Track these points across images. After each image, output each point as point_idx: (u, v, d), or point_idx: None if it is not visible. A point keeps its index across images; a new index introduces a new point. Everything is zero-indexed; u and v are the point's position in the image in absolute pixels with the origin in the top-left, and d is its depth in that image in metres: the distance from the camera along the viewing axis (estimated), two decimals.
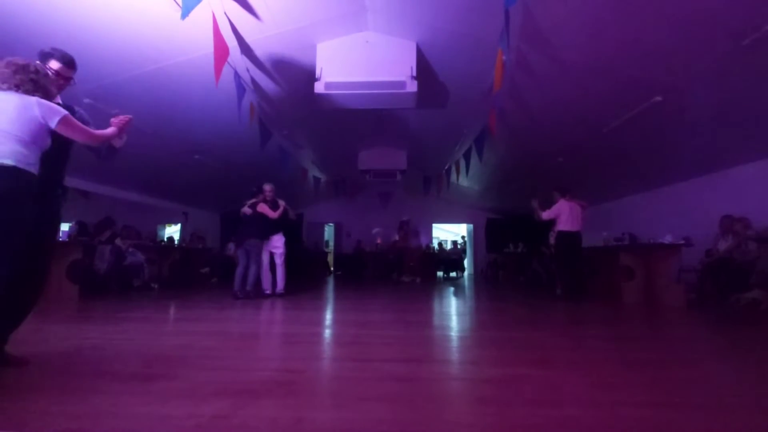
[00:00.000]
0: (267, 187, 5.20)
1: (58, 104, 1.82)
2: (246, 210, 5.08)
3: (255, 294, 4.97)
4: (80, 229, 5.65)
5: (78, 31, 3.23)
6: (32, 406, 1.37)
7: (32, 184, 1.66)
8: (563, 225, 5.01)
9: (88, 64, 3.61)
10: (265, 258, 5.18)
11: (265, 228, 5.10)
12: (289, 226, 5.53)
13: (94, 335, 2.60)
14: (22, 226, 1.64)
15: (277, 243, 5.21)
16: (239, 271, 4.99)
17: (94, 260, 5.62)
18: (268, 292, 5.13)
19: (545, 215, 5.21)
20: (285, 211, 5.19)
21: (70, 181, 6.98)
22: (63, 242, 4.62)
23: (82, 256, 5.00)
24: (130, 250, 6.22)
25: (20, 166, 1.59)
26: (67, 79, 1.95)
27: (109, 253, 5.77)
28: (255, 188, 5.22)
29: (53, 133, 1.72)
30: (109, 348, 2.26)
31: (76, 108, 1.98)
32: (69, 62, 1.94)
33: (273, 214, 5.07)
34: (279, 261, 5.21)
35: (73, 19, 3.12)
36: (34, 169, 1.66)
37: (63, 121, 1.71)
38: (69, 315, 3.68)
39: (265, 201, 5.12)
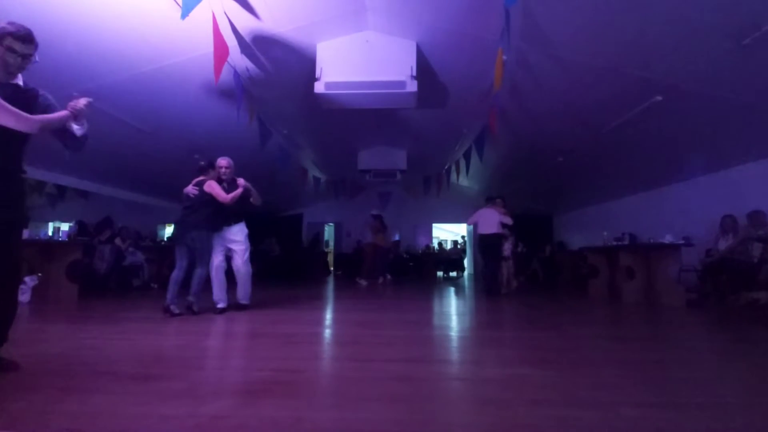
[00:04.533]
0: (222, 161, 3.82)
1: (18, 86, 1.69)
2: (190, 189, 3.65)
3: (198, 306, 3.57)
4: (80, 229, 5.65)
5: (77, 30, 3.23)
6: (32, 406, 1.37)
7: None
8: (478, 229, 5.84)
9: (88, 63, 3.64)
10: (217, 258, 3.79)
11: (216, 215, 3.70)
12: (250, 216, 4.12)
13: (94, 335, 2.60)
14: None
15: (237, 236, 3.82)
16: (174, 275, 3.61)
17: (93, 260, 5.63)
18: (220, 305, 3.67)
19: (467, 221, 6.30)
20: (246, 192, 3.79)
21: (69, 181, 7.03)
22: (63, 242, 4.62)
23: (82, 256, 4.99)
24: (130, 249, 6.23)
25: None
26: (25, 57, 1.67)
27: (109, 253, 5.78)
28: (204, 162, 3.84)
29: None
30: (109, 348, 2.25)
31: (41, 91, 1.78)
32: (24, 37, 1.65)
33: (225, 197, 3.61)
34: (240, 262, 3.82)
35: (73, 19, 3.11)
36: None
37: None
38: (69, 315, 3.68)
39: (219, 181, 3.78)
